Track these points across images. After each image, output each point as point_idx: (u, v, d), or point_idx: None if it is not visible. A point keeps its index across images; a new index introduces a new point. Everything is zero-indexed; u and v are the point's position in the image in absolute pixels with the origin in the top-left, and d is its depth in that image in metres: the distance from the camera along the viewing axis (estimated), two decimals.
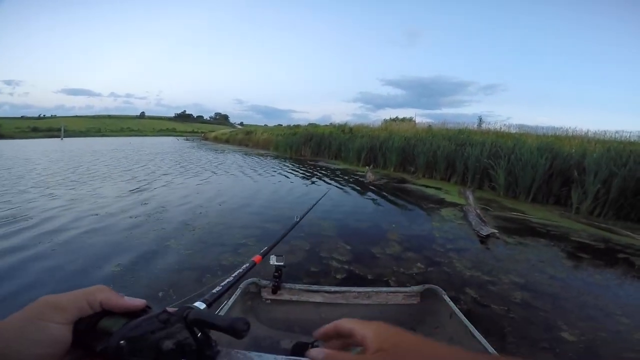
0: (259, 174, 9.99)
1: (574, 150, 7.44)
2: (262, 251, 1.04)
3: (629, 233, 4.54)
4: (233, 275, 0.68)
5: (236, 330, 0.34)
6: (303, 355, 0.39)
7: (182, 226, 4.36)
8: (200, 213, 5.05)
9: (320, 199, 2.33)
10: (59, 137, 38.90)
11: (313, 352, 0.35)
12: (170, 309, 0.36)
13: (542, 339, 2.12)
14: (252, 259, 0.91)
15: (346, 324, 0.36)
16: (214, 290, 0.55)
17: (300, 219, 1.48)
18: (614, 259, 3.60)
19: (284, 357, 0.44)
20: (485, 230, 4.27)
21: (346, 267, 3.15)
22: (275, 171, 10.78)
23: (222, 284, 0.61)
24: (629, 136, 10.53)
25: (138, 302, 0.34)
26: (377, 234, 4.19)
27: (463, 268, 3.18)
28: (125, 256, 3.33)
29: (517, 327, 2.24)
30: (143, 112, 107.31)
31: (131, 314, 0.34)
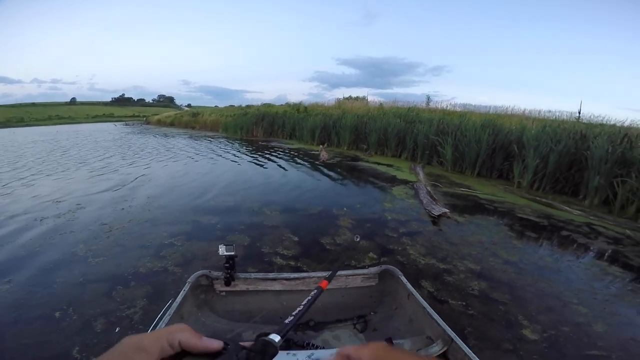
0: (201, 155, 9.02)
1: (514, 127, 7.70)
2: (327, 276, 0.98)
3: (566, 208, 4.71)
4: (302, 304, 0.69)
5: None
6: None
7: (97, 227, 3.55)
8: (123, 209, 4.20)
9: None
10: None
11: None
12: (246, 344, 0.38)
13: (505, 339, 1.88)
14: (319, 284, 0.85)
15: (347, 351, 0.37)
16: (286, 321, 0.56)
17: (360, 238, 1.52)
18: (559, 238, 3.62)
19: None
20: (437, 210, 4.09)
21: (292, 263, 2.72)
22: (219, 153, 9.86)
23: (294, 313, 0.62)
24: (559, 115, 11.37)
25: (215, 343, 0.34)
26: (327, 221, 3.78)
27: (418, 255, 2.90)
28: (21, 268, 2.65)
29: (478, 326, 1.99)
30: (74, 98, 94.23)
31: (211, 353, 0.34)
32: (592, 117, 10.36)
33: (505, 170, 6.79)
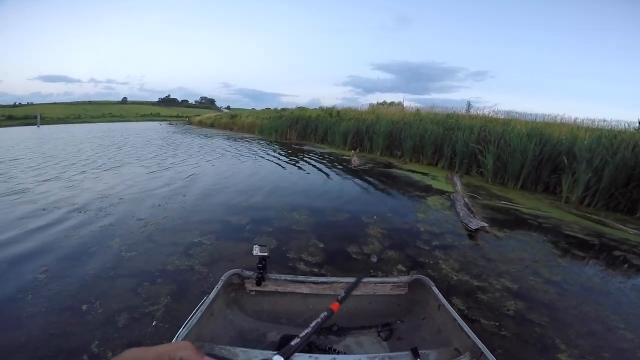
0: (237, 157, 9.43)
1: (564, 137, 7.17)
2: (339, 298, 0.92)
3: (621, 226, 4.30)
4: (311, 325, 0.69)
5: None
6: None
7: (133, 222, 3.85)
8: (159, 206, 4.53)
9: None
10: (36, 124, 37.29)
11: None
12: None
13: None
14: (330, 306, 0.84)
15: None
16: (292, 343, 0.56)
17: (378, 259, 1.63)
18: (610, 258, 3.33)
19: (270, 352, 0.49)
20: (475, 224, 3.94)
21: (315, 270, 2.76)
22: (254, 154, 10.24)
23: (301, 335, 0.62)
24: (615, 125, 10.35)
25: None
26: (355, 229, 3.79)
27: (450, 270, 2.83)
28: (59, 259, 2.88)
29: (510, 347, 1.90)
30: (125, 98, 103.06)
31: None
32: None
33: (552, 183, 6.32)
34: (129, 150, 11.48)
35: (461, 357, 1.10)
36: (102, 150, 11.40)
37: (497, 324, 2.13)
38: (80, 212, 4.18)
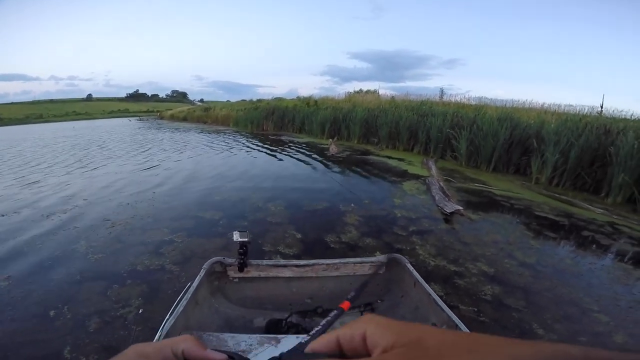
0: (210, 150, 9.03)
1: (532, 121, 7.37)
2: (349, 296, 0.89)
3: (588, 206, 4.46)
4: (322, 324, 0.67)
5: None
6: (278, 332, 0.57)
7: (100, 223, 3.55)
8: (128, 204, 4.20)
9: None
10: None
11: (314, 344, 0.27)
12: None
13: None
14: (340, 305, 0.80)
15: (340, 332, 0.25)
16: (301, 341, 0.49)
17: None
18: (580, 238, 3.41)
19: (257, 335, 0.50)
20: (450, 207, 3.93)
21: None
22: (228, 147, 9.87)
23: (312, 333, 0.60)
24: (580, 109, 10.81)
25: (219, 356, 0.32)
26: (333, 217, 3.68)
27: (427, 256, 2.77)
28: (22, 264, 2.68)
29: (490, 334, 1.86)
30: (90, 94, 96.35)
31: None
32: (614, 111, 9.84)
33: (523, 165, 6.51)
34: (94, 150, 10.74)
35: None
36: (62, 152, 10.59)
37: (476, 309, 2.09)
38: (43, 216, 3.85)
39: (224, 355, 0.33)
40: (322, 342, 0.26)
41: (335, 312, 0.75)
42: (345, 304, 0.83)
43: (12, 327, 1.93)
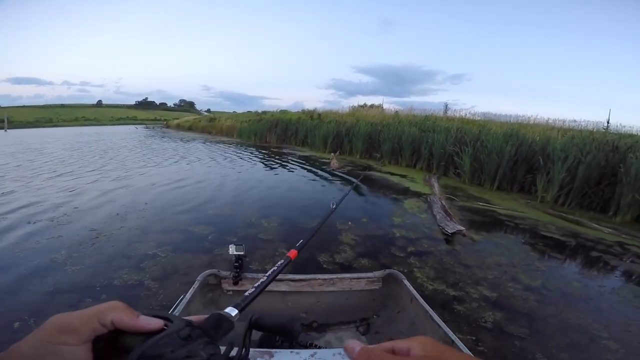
0: (210, 161, 9.03)
1: (538, 137, 7.26)
2: (297, 245, 0.88)
3: (596, 226, 4.30)
4: (267, 275, 0.61)
5: (293, 330, 0.38)
6: (272, 347, 0.49)
7: (85, 233, 3.48)
8: (117, 215, 4.14)
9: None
10: (3, 128, 35.31)
11: (350, 342, 0.33)
12: (194, 319, 0.34)
13: None
14: (287, 254, 0.80)
15: (387, 344, 0.33)
16: (246, 294, 0.51)
17: (337, 206, 1.42)
18: (588, 259, 3.25)
19: (251, 349, 0.42)
20: (451, 227, 3.80)
21: None
22: (229, 158, 9.86)
23: (256, 285, 0.55)
24: (585, 125, 10.71)
25: (153, 323, 0.30)
26: (328, 235, 3.54)
27: (425, 279, 2.64)
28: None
29: None
30: (100, 101, 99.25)
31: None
32: (620, 127, 9.72)
33: (528, 183, 6.36)
34: (92, 157, 10.83)
35: None
36: (59, 156, 10.69)
37: (474, 338, 1.94)
38: (29, 223, 3.78)
39: (160, 321, 0.30)
40: (383, 346, 0.32)
41: (282, 261, 0.74)
42: (293, 253, 0.83)
43: None
